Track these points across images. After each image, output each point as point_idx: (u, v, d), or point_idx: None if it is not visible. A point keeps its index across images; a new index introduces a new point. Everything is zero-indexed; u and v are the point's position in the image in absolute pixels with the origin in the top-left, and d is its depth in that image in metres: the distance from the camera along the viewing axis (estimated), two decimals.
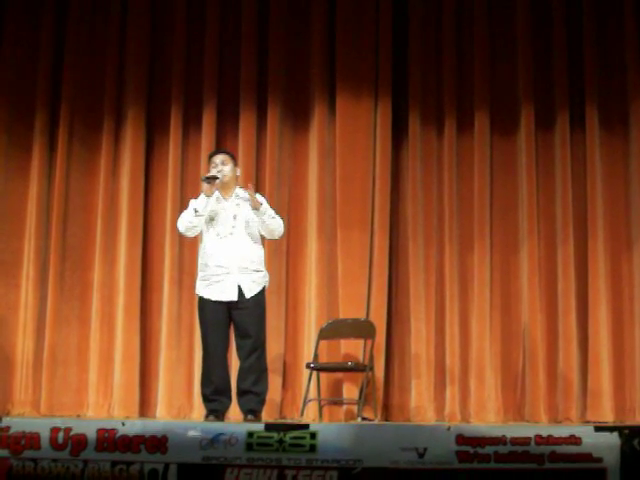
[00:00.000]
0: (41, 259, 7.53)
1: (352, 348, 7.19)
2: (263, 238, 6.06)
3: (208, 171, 6.00)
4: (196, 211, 5.86)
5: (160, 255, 7.54)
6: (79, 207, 7.67)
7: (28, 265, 7.53)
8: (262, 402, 5.86)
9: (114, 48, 7.78)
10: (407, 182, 7.50)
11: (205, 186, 5.86)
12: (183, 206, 7.43)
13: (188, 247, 7.41)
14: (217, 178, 5.87)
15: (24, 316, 7.47)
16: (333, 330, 7.08)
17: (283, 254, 7.40)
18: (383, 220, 7.38)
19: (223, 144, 7.56)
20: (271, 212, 5.93)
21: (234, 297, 5.80)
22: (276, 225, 5.95)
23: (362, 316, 7.18)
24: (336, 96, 7.55)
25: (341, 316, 7.21)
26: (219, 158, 6.04)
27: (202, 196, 5.86)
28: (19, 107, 7.74)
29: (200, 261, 6.00)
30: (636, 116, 7.33)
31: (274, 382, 6.85)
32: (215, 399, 5.81)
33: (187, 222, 5.93)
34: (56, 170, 7.63)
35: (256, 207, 5.82)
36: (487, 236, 7.35)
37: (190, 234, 6.06)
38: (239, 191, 6.02)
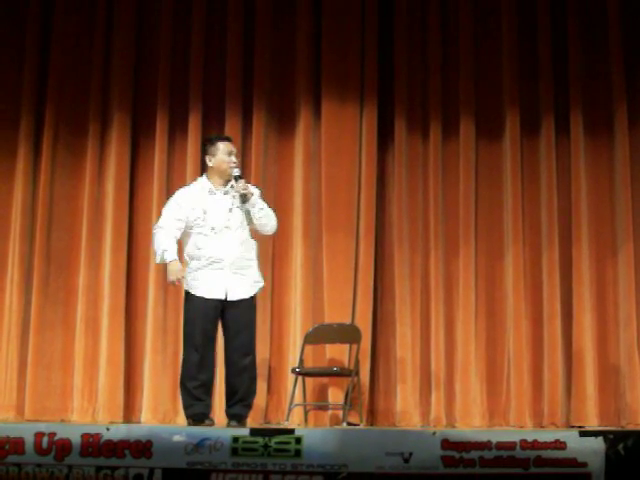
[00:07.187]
0: (25, 263, 7.50)
1: (337, 353, 7.19)
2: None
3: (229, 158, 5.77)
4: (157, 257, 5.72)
5: (145, 259, 7.50)
6: (64, 211, 7.64)
7: (12, 269, 7.49)
8: (248, 408, 5.80)
9: (100, 52, 7.75)
10: (392, 187, 7.52)
11: (172, 270, 5.57)
12: None
13: None
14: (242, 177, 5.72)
15: (8, 320, 7.43)
16: (318, 335, 7.07)
17: (268, 258, 7.36)
18: (368, 225, 7.39)
19: None
20: (262, 204, 5.72)
21: (222, 295, 5.60)
22: (268, 218, 5.73)
23: (348, 321, 7.18)
24: (322, 101, 7.55)
25: (326, 321, 7.20)
26: (234, 148, 5.87)
27: (171, 265, 5.60)
28: (4, 111, 7.71)
29: (189, 255, 5.72)
30: (621, 121, 7.37)
31: (259, 387, 6.80)
32: (202, 399, 5.65)
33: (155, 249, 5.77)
34: (41, 174, 7.60)
35: (246, 199, 5.61)
36: (472, 241, 7.37)
37: None
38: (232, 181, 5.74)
